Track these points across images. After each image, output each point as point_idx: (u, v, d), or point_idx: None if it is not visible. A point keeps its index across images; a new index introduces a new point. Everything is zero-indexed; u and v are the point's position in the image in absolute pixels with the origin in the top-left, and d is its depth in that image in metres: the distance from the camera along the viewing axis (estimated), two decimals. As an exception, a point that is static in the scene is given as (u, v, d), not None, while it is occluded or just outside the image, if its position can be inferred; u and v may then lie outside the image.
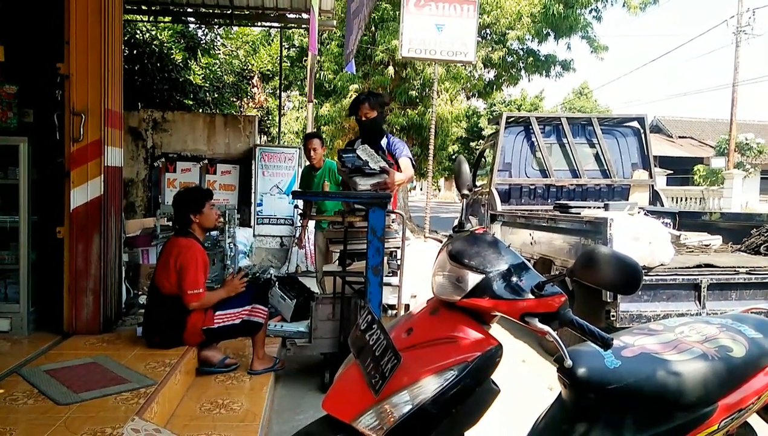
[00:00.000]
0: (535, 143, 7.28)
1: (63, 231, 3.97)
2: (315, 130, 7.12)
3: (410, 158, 4.28)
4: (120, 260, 4.42)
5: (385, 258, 3.61)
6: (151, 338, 3.65)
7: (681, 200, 16.09)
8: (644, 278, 3.07)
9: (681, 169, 23.40)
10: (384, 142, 4.29)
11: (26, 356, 3.41)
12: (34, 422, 2.54)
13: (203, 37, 12.67)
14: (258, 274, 6.53)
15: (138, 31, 10.45)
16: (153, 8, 9.12)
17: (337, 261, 3.99)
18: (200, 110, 11.17)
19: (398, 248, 3.98)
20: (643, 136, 7.55)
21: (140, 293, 5.18)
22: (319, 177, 5.48)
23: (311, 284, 5.70)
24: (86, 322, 3.98)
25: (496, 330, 1.70)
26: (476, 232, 1.85)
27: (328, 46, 15.86)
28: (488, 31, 15.75)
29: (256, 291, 3.79)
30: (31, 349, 3.58)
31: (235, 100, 13.79)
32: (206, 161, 8.48)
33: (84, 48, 3.90)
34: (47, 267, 4.03)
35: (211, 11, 8.95)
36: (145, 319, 3.76)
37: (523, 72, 16.67)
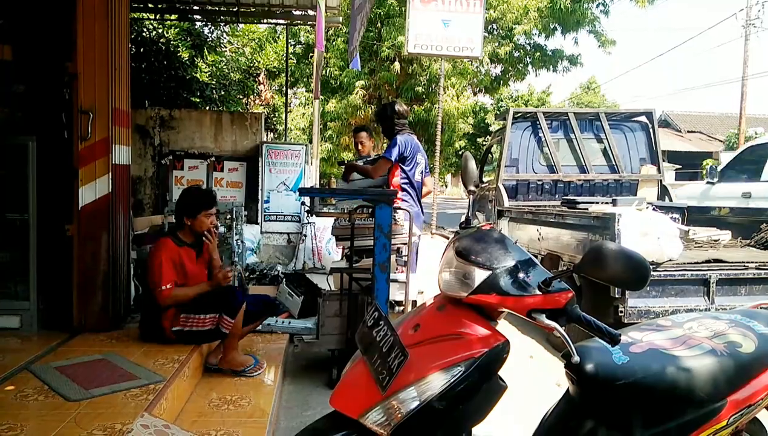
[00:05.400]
0: (543, 139, 7.25)
1: (72, 229, 3.99)
2: (320, 126, 6.91)
3: (384, 156, 4.66)
4: (128, 258, 4.45)
5: (393, 255, 3.62)
6: (144, 333, 3.71)
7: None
8: (652, 273, 3.06)
9: (690, 164, 23.23)
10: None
11: (36, 353, 3.43)
12: (45, 418, 2.56)
13: (209, 35, 12.66)
14: (265, 270, 6.56)
15: (144, 29, 10.45)
16: (159, 6, 9.14)
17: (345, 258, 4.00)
18: (207, 108, 11.17)
19: (405, 244, 3.99)
20: (651, 131, 7.50)
21: (148, 290, 5.20)
22: None
23: (318, 280, 5.71)
24: (95, 319, 4.00)
25: (504, 326, 1.70)
26: (483, 228, 1.85)
27: (334, 43, 15.85)
28: (495, 26, 15.71)
29: (222, 302, 3.54)
30: (40, 346, 3.61)
31: (241, 97, 13.79)
32: (213, 159, 8.48)
33: (91, 46, 3.91)
34: (56, 264, 4.05)
35: (217, 9, 8.95)
36: (140, 315, 3.84)
37: (530, 67, 16.63)
